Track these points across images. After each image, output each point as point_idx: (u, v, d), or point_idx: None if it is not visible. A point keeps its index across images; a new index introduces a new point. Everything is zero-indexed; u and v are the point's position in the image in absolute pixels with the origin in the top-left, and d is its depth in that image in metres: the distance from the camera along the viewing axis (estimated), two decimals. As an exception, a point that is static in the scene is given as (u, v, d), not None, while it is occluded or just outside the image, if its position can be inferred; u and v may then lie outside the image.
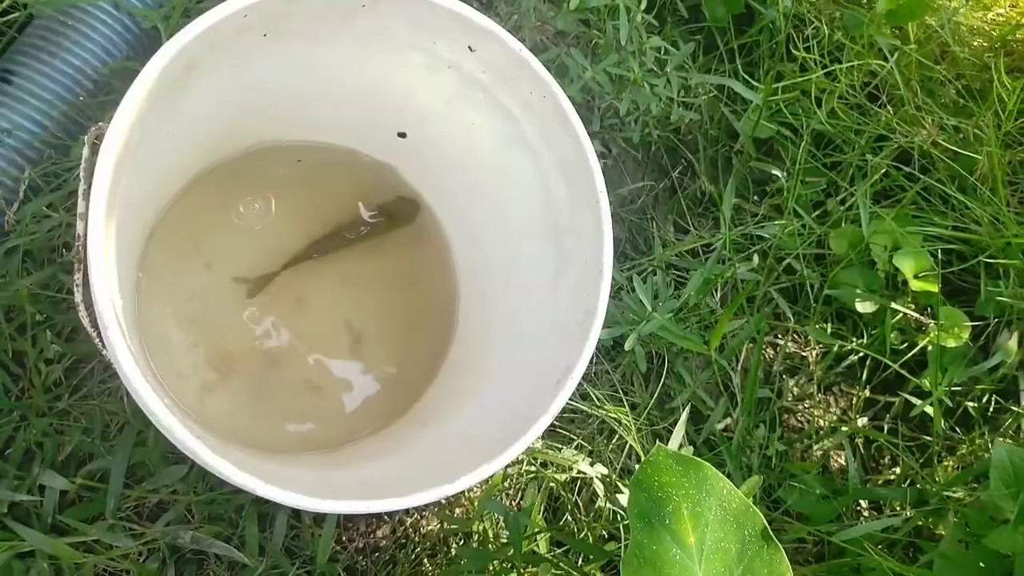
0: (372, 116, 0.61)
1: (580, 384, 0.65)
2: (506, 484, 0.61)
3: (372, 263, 0.63)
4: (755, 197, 0.79)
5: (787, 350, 0.76)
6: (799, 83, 0.76)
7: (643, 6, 0.70)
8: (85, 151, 0.43)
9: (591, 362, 0.68)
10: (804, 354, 0.78)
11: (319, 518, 0.57)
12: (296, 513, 0.56)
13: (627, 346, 0.64)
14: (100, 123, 0.42)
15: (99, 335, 0.44)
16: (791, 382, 0.76)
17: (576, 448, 0.63)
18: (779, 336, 0.77)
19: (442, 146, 0.61)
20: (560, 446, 0.63)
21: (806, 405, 0.76)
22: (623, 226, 0.74)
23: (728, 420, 0.72)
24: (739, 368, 0.73)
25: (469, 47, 0.53)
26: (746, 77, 0.77)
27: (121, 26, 0.58)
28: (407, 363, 0.61)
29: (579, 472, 0.61)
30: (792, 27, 0.79)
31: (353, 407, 0.60)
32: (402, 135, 0.62)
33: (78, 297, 0.44)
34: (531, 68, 0.52)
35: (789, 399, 0.76)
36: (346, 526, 0.58)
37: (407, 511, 0.60)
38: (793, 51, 0.78)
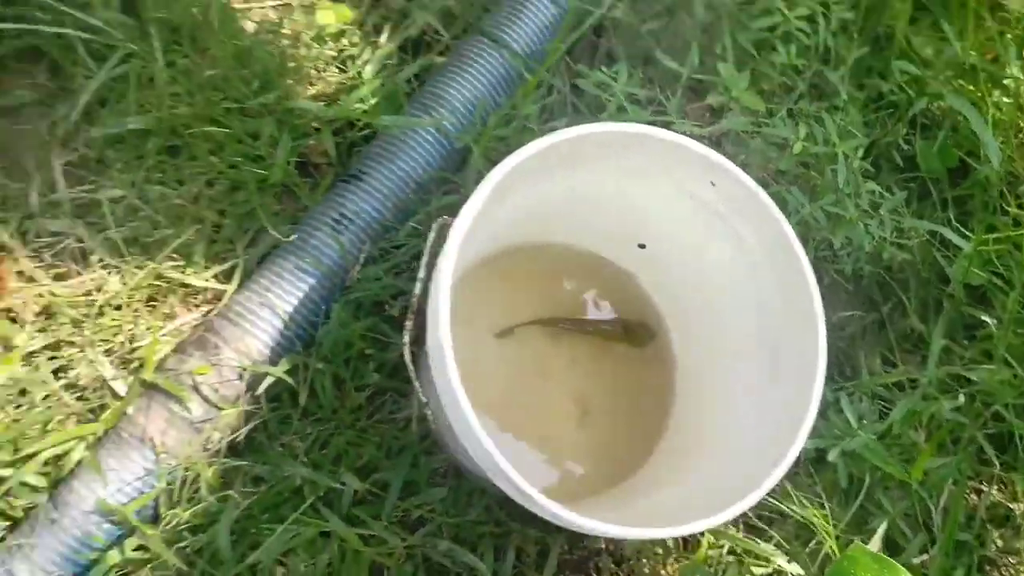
0: (616, 228, 0.73)
1: (781, 483, 0.69)
2: (708, 567, 0.66)
3: (603, 350, 0.74)
4: (965, 340, 0.81)
5: (992, 498, 0.76)
6: (1012, 236, 0.79)
7: (860, 153, 0.79)
8: (432, 235, 0.59)
9: (794, 465, 0.73)
10: (1011, 506, 0.77)
11: (540, 559, 0.66)
12: (521, 548, 0.66)
13: (830, 458, 0.69)
14: (445, 216, 0.58)
15: (416, 372, 0.58)
16: (996, 533, 0.75)
17: (775, 545, 0.67)
18: (984, 483, 0.77)
19: (677, 262, 0.72)
20: (759, 541, 0.68)
21: (1012, 560, 0.74)
22: (831, 350, 0.80)
23: (925, 556, 0.72)
24: (940, 507, 0.74)
25: (711, 182, 0.64)
26: (958, 226, 0.82)
27: (439, 144, 0.76)
28: (626, 441, 0.70)
29: (777, 567, 0.65)
30: (1006, 184, 0.83)
31: (577, 473, 0.69)
32: (642, 246, 0.74)
33: (406, 338, 0.58)
34: (760, 202, 0.62)
35: (993, 550, 0.74)
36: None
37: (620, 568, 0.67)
38: (1006, 207, 0.82)
